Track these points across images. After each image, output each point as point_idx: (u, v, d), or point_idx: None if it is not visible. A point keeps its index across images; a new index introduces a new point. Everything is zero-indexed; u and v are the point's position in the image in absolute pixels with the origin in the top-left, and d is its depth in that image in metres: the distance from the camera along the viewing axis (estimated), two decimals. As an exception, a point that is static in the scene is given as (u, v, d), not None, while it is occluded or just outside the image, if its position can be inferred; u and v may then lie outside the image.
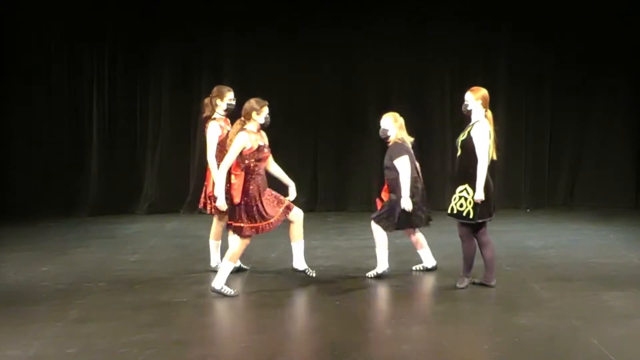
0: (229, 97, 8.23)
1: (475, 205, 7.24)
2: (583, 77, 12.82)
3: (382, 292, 7.41)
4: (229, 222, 7.40)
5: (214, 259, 8.26)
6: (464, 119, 7.60)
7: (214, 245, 8.25)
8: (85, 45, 12.52)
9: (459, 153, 7.41)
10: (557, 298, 7.09)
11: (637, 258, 8.80)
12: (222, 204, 7.27)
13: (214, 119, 8.11)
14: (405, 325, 6.32)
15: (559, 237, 10.25)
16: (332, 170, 12.93)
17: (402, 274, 8.15)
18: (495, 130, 7.47)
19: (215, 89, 8.30)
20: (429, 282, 8.03)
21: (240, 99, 14.05)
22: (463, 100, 7.43)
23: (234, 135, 7.32)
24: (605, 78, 12.78)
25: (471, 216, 7.27)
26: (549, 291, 7.33)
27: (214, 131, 8.02)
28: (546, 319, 6.48)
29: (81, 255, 9.40)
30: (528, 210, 12.58)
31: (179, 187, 12.74)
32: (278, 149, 12.82)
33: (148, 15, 12.57)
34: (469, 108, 7.40)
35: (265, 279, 7.95)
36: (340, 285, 7.69)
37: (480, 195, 7.21)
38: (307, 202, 12.75)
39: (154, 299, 7.23)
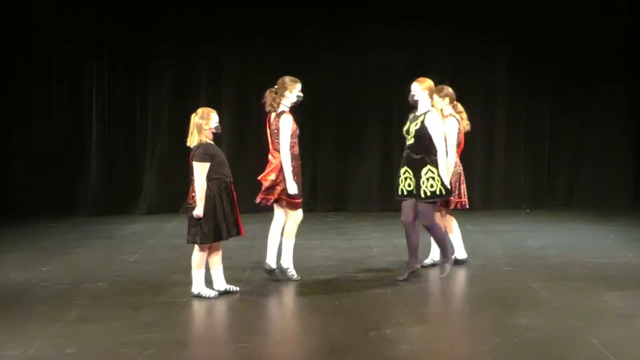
0: (298, 88, 8.07)
1: (442, 182, 7.55)
2: (583, 78, 12.80)
3: (382, 292, 7.40)
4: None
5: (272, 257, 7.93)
6: (411, 109, 7.87)
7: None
8: (85, 45, 12.52)
9: (411, 142, 7.64)
10: (557, 298, 7.09)
11: (637, 258, 8.80)
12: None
13: (283, 112, 7.83)
14: (405, 325, 6.32)
15: (558, 237, 10.25)
16: (332, 171, 12.91)
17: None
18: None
19: (280, 80, 8.06)
20: (428, 282, 8.03)
21: (240, 99, 14.09)
22: (410, 90, 7.71)
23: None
24: (605, 79, 12.76)
25: (444, 192, 7.60)
26: (549, 291, 7.32)
27: (288, 124, 7.78)
28: (546, 319, 6.48)
29: (81, 255, 9.41)
30: (528, 210, 12.57)
31: (179, 187, 12.72)
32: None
33: (148, 15, 12.57)
34: (415, 98, 7.70)
35: (265, 279, 7.94)
36: (340, 285, 7.68)
37: (447, 180, 7.64)
38: (307, 202, 12.73)
39: (153, 299, 7.23)
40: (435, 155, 7.53)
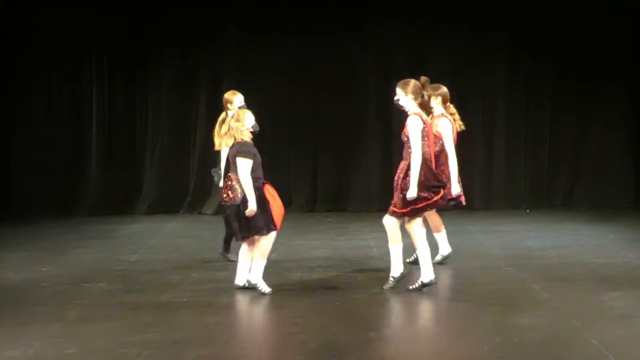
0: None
1: None
2: (582, 78, 12.79)
3: (382, 292, 7.39)
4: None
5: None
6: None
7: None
8: (85, 45, 12.52)
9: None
10: (557, 298, 7.09)
11: (636, 258, 8.80)
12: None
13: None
14: (405, 325, 6.32)
15: (558, 237, 10.25)
16: (332, 171, 12.91)
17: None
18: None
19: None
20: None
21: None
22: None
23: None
24: (605, 79, 12.75)
25: None
26: (549, 291, 7.32)
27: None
28: (546, 319, 6.47)
29: (81, 255, 9.40)
30: (528, 210, 12.57)
31: (179, 187, 12.75)
32: (279, 149, 12.99)
33: (148, 16, 12.57)
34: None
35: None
36: (340, 285, 7.68)
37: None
38: (307, 202, 12.74)
39: (153, 299, 7.22)
40: None
